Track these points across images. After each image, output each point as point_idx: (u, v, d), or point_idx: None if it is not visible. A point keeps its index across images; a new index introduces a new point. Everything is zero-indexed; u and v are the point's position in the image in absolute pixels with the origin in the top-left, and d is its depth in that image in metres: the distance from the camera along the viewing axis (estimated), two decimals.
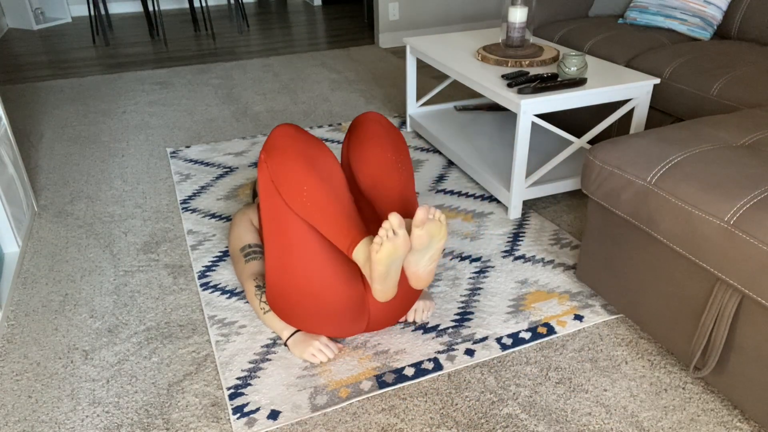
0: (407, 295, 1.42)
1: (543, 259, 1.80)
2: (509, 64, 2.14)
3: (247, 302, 1.63)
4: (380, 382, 1.36)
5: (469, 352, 1.44)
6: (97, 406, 1.32)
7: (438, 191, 2.21)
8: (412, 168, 1.41)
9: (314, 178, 1.25)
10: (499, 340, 1.48)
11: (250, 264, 1.58)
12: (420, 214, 1.16)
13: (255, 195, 2.00)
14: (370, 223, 1.44)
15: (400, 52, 4.17)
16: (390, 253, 1.15)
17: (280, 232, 1.30)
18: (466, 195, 2.18)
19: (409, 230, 1.22)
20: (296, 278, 1.31)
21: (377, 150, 1.37)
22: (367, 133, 1.40)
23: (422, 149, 2.57)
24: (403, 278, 1.38)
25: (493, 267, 1.76)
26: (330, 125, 2.86)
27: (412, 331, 1.52)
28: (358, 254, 1.22)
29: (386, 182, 1.35)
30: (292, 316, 1.39)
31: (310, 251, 1.29)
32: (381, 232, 1.16)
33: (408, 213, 1.33)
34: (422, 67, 3.82)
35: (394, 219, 1.14)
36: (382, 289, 1.23)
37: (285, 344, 1.46)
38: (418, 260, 1.23)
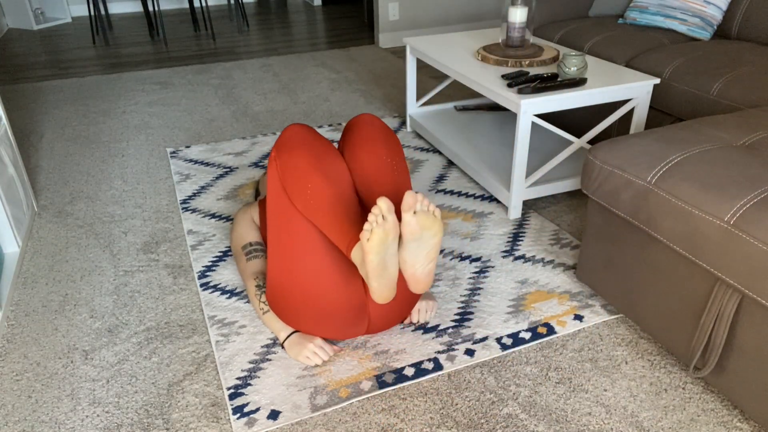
0: (407, 297, 1.42)
1: (543, 259, 1.79)
2: (509, 64, 2.14)
3: (248, 302, 1.63)
4: (380, 382, 1.36)
5: (469, 352, 1.44)
6: (97, 406, 1.32)
7: (438, 191, 2.21)
8: (407, 169, 1.40)
9: (319, 176, 1.25)
10: (499, 340, 1.48)
11: (251, 263, 1.58)
12: (407, 198, 1.11)
13: (257, 194, 2.00)
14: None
15: (400, 52, 4.17)
16: (381, 240, 1.11)
17: (285, 232, 1.30)
18: (466, 195, 2.18)
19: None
20: (297, 279, 1.31)
21: (371, 152, 1.36)
22: (361, 136, 1.40)
23: (422, 149, 2.57)
24: (402, 280, 1.37)
25: (493, 267, 1.76)
26: (330, 125, 2.86)
27: (412, 331, 1.52)
28: (356, 254, 1.20)
29: (381, 183, 1.34)
30: (292, 317, 1.39)
31: (313, 253, 1.29)
32: (370, 217, 1.11)
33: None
34: (422, 67, 3.82)
35: (383, 203, 1.10)
36: (379, 288, 1.19)
37: (282, 346, 1.46)
38: (414, 257, 1.19)
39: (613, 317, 1.55)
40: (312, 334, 1.42)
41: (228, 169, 2.43)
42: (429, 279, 1.25)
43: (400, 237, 1.18)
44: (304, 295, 1.32)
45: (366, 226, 1.12)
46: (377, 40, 4.32)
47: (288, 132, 1.31)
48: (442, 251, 1.84)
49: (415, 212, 1.14)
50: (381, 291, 1.20)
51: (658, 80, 1.95)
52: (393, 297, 1.25)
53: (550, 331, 1.50)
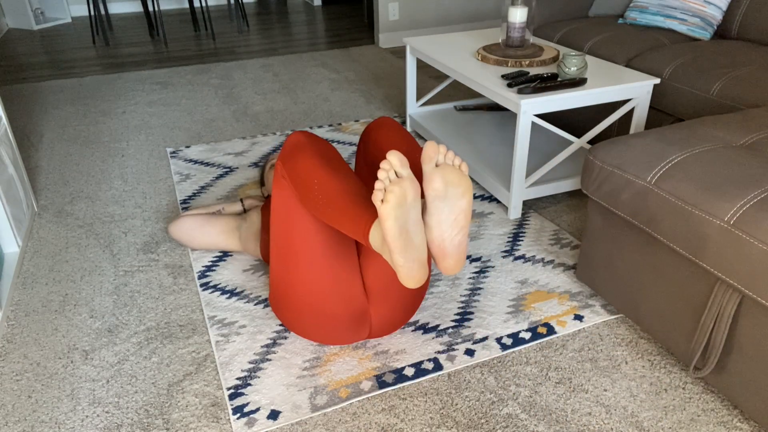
0: (409, 302, 1.42)
1: (543, 259, 1.79)
2: (509, 64, 2.14)
3: (248, 302, 1.63)
4: (380, 382, 1.36)
5: (469, 352, 1.44)
6: (97, 406, 1.32)
7: None
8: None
9: (324, 170, 1.20)
10: (499, 340, 1.48)
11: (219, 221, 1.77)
12: (428, 148, 0.96)
13: (262, 184, 2.01)
14: None
15: (400, 52, 4.17)
16: (398, 201, 0.95)
17: (287, 238, 1.30)
18: None
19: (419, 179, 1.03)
20: (298, 287, 1.31)
21: (387, 132, 1.37)
22: (378, 125, 1.42)
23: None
24: (399, 286, 1.36)
25: (493, 267, 1.76)
26: (330, 125, 2.86)
27: (412, 331, 1.52)
28: (375, 235, 1.04)
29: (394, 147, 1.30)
30: (294, 323, 1.39)
31: (314, 262, 1.28)
32: (381, 174, 0.96)
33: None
34: (422, 67, 3.82)
35: (394, 157, 0.95)
36: (406, 265, 1.00)
37: None
38: (438, 221, 1.02)
39: (613, 317, 1.55)
40: (312, 339, 1.42)
41: (228, 169, 2.43)
42: (460, 254, 1.09)
43: (423, 201, 1.03)
44: (304, 301, 1.32)
45: (377, 185, 0.97)
46: (377, 40, 4.32)
47: (290, 140, 1.30)
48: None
49: (437, 165, 0.99)
50: (409, 269, 1.02)
51: (658, 80, 1.95)
52: (425, 278, 1.08)
53: (550, 331, 1.50)
